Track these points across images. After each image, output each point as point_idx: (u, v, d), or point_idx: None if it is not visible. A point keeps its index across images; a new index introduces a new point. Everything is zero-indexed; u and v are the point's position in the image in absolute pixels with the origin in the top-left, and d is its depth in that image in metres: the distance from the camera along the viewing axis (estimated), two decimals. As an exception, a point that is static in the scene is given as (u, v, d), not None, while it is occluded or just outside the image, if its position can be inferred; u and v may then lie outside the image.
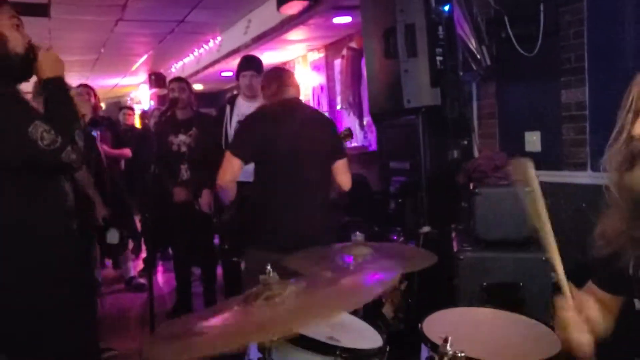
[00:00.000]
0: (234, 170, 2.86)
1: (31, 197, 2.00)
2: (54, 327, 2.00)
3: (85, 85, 5.04)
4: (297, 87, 3.17)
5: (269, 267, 1.34)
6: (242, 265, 3.21)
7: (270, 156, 2.90)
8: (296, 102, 3.13)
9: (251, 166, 3.83)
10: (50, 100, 2.08)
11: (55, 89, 2.08)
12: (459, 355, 1.29)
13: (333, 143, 3.11)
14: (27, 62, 2.06)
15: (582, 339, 1.40)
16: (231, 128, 4.27)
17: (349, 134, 3.91)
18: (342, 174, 3.06)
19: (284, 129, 2.92)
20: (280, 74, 3.19)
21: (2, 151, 1.91)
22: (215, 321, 1.32)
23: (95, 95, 4.90)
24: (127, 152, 5.79)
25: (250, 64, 4.33)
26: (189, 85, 4.76)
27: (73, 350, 2.07)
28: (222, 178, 2.88)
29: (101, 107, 6.14)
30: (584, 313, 1.44)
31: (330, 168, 3.04)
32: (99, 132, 5.04)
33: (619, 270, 1.45)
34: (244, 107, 4.29)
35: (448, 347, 1.28)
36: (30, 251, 1.98)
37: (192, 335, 1.28)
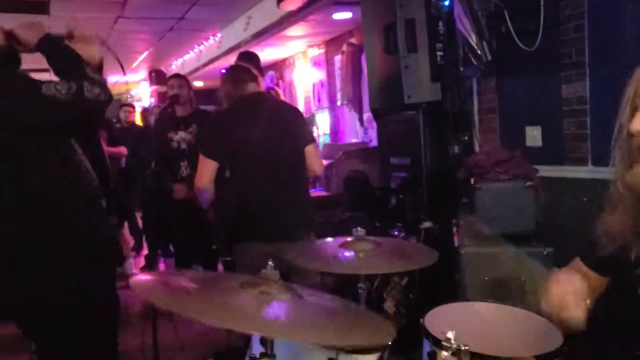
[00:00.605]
0: (211, 172, 2.92)
1: (54, 178, 2.01)
2: (82, 311, 2.00)
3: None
4: (254, 79, 3.19)
5: (270, 262, 1.34)
6: (236, 264, 3.23)
7: (243, 152, 2.93)
8: (259, 96, 3.20)
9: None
10: (49, 58, 2.09)
11: (46, 48, 2.08)
12: (463, 349, 1.29)
13: (301, 130, 3.17)
14: (11, 48, 2.07)
15: (577, 312, 1.42)
16: None
17: None
18: (313, 159, 3.14)
19: (253, 123, 2.95)
20: (232, 73, 3.24)
21: (30, 117, 1.92)
22: (207, 293, 1.35)
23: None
24: (123, 150, 5.79)
25: (249, 60, 4.33)
26: (187, 82, 4.76)
27: (98, 337, 2.09)
28: (200, 181, 2.93)
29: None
30: (573, 287, 1.45)
31: (302, 155, 3.10)
32: None
33: (619, 257, 1.45)
34: None
35: (452, 341, 1.28)
36: (57, 234, 1.98)
37: (181, 291, 1.34)
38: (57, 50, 2.09)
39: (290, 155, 3.04)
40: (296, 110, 3.47)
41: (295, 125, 3.14)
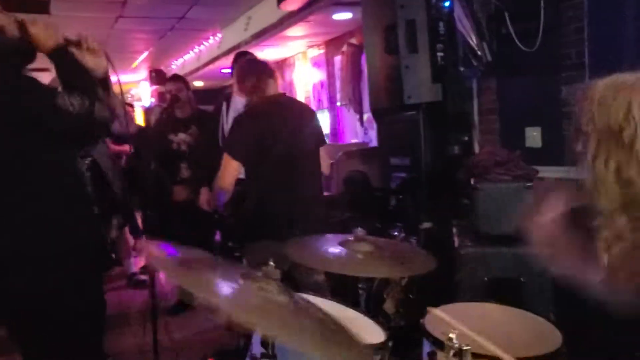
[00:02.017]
0: (235, 173, 2.93)
1: (56, 180, 2.01)
2: (66, 316, 2.00)
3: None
4: (277, 79, 3.20)
5: (271, 262, 1.34)
6: (244, 261, 3.22)
7: (266, 153, 2.93)
8: (284, 97, 3.24)
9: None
10: (59, 69, 2.07)
11: (59, 58, 2.05)
12: (465, 349, 1.29)
13: (318, 131, 3.26)
14: (25, 41, 2.03)
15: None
16: (227, 124, 4.27)
17: None
18: (324, 159, 3.25)
19: (278, 125, 2.97)
20: (257, 67, 3.20)
21: (38, 125, 1.91)
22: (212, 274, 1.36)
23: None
24: (127, 148, 5.78)
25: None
26: (186, 84, 4.75)
27: (82, 343, 2.08)
28: (224, 181, 2.93)
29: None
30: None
31: (319, 155, 3.19)
32: None
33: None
34: (240, 104, 4.29)
35: (454, 341, 1.29)
36: (51, 238, 1.98)
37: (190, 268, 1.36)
38: (70, 64, 2.07)
39: (310, 156, 3.12)
40: (313, 111, 3.49)
41: (314, 126, 3.22)
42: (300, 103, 3.57)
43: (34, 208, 1.95)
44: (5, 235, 1.94)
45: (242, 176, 4.15)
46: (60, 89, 1.98)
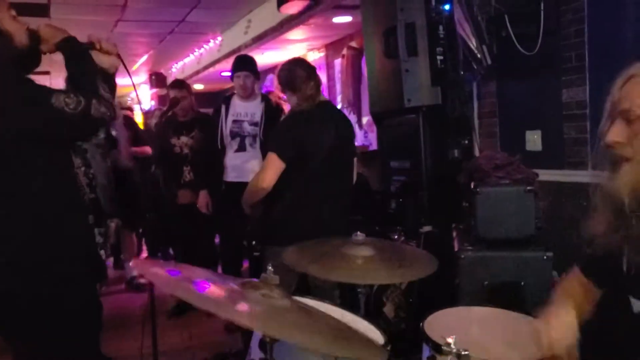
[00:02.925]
0: (278, 173, 2.88)
1: (52, 188, 1.99)
2: (57, 325, 1.99)
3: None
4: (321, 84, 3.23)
5: (269, 267, 1.33)
6: (269, 266, 3.20)
7: (307, 160, 2.92)
8: (330, 104, 3.24)
9: (255, 165, 3.83)
10: (67, 59, 2.08)
11: (67, 48, 2.07)
12: (463, 353, 1.28)
13: (354, 144, 3.30)
14: (34, 49, 2.06)
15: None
16: (227, 128, 4.27)
17: None
18: (354, 171, 3.26)
19: (324, 131, 2.98)
20: (315, 73, 3.15)
21: (33, 127, 1.90)
22: (210, 285, 1.34)
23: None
24: (148, 149, 5.76)
25: (244, 64, 4.32)
26: (188, 89, 4.75)
27: (75, 350, 2.07)
28: (266, 181, 2.88)
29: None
30: (570, 302, 1.47)
31: (352, 166, 3.22)
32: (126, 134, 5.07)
33: (612, 266, 1.46)
34: (239, 107, 4.30)
35: (452, 346, 1.28)
36: (48, 244, 1.97)
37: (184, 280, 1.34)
38: (78, 53, 2.08)
39: (346, 167, 3.15)
40: (350, 121, 3.43)
41: (352, 137, 3.26)
42: (339, 111, 3.51)
43: (27, 213, 1.94)
44: None
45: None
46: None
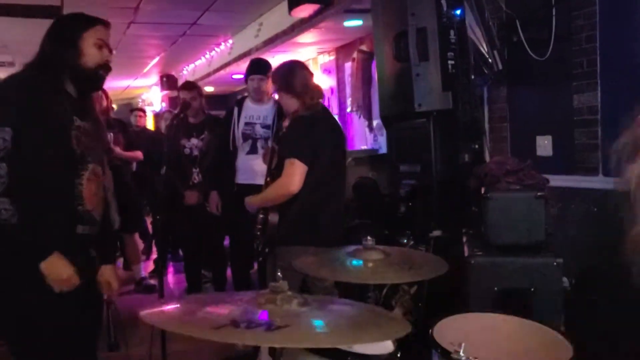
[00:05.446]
0: (303, 177, 2.91)
1: (41, 197, 2.00)
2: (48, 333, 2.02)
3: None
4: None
5: (279, 273, 1.34)
6: (279, 272, 3.22)
7: (316, 161, 2.96)
8: (325, 107, 3.31)
9: (262, 167, 3.84)
10: None
11: None
12: (472, 360, 1.29)
13: (345, 145, 3.39)
14: (94, 77, 2.17)
15: None
16: (238, 130, 4.29)
17: None
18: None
19: (328, 135, 3.07)
20: (316, 84, 3.25)
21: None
22: (219, 310, 1.34)
23: (107, 97, 4.93)
24: (139, 154, 5.81)
25: (259, 68, 4.34)
26: (199, 92, 4.78)
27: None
28: (297, 184, 2.90)
29: (113, 109, 6.16)
30: None
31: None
32: (111, 134, 5.08)
33: None
34: (252, 110, 4.32)
35: (461, 353, 1.28)
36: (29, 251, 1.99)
37: (192, 314, 1.33)
38: None
39: (343, 167, 3.26)
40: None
41: (345, 140, 3.39)
42: (332, 115, 3.62)
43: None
44: None
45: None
46: None
